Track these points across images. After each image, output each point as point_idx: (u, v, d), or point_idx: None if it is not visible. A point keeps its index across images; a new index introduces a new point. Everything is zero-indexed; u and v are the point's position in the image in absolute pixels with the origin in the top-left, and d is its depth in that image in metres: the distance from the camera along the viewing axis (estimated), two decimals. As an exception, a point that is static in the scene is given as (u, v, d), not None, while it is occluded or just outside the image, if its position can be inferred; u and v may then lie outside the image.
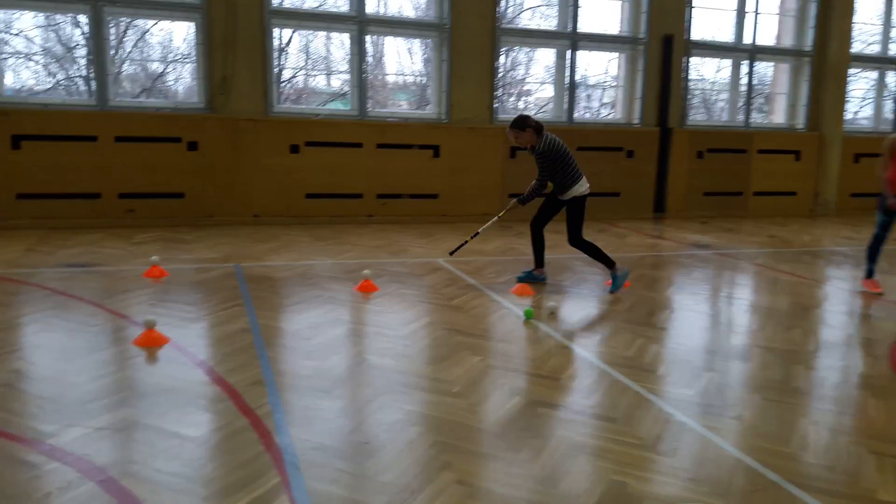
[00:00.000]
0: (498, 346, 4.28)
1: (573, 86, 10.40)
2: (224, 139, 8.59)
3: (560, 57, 10.46)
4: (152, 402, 3.28)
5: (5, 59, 8.47)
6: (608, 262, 5.72)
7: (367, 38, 9.36)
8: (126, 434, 2.96)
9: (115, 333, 4.28)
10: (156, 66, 11.89)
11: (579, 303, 5.46)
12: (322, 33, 10.23)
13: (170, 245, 7.10)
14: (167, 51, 12.08)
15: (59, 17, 10.05)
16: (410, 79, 12.43)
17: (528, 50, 11.96)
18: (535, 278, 5.89)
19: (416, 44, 11.97)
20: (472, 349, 4.20)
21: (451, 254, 6.19)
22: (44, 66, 10.86)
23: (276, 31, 9.19)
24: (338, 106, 11.28)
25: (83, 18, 9.81)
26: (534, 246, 5.93)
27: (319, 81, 12.14)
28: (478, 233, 6.00)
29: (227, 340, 4.21)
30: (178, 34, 13.39)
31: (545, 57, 12.24)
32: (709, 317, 5.36)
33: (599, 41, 10.58)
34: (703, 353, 4.33)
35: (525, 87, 13.61)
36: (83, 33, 10.66)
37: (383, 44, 11.61)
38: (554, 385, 3.68)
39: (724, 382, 3.81)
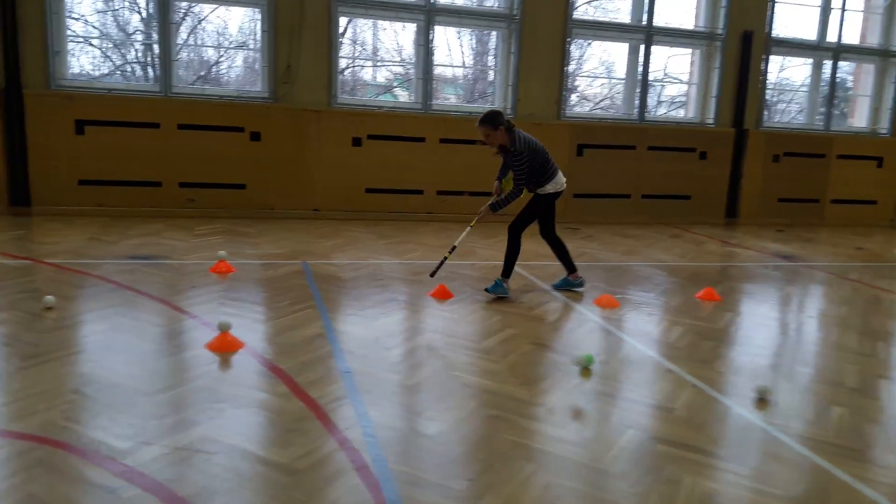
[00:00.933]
0: (593, 368, 3.92)
1: (646, 82, 9.92)
2: (287, 130, 8.38)
3: (633, 52, 9.99)
4: (233, 419, 3.02)
5: (71, 43, 8.38)
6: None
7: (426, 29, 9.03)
8: (208, 457, 2.69)
9: (187, 335, 4.05)
10: (213, 54, 11.76)
11: (663, 314, 5.06)
12: (375, 22, 9.94)
13: (233, 238, 6.90)
14: (222, 38, 11.94)
15: (118, 2, 9.94)
16: (460, 72, 12.07)
17: (585, 43, 11.50)
18: (572, 283, 5.54)
19: (466, 35, 11.63)
20: (566, 369, 3.85)
21: (432, 275, 5.33)
22: (102, 51, 10.82)
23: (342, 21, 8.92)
24: (387, 97, 11.01)
25: (142, 2, 9.71)
26: (556, 254, 5.53)
27: (368, 72, 11.85)
28: (454, 247, 5.43)
29: (303, 347, 3.95)
30: (234, 21, 13.24)
31: (599, 51, 11.73)
32: (831, 345, 4.92)
33: (675, 36, 10.07)
34: (829, 386, 3.91)
35: (578, 82, 13.15)
36: (142, 18, 10.57)
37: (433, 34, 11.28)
38: (667, 417, 3.32)
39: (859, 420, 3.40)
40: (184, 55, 11.68)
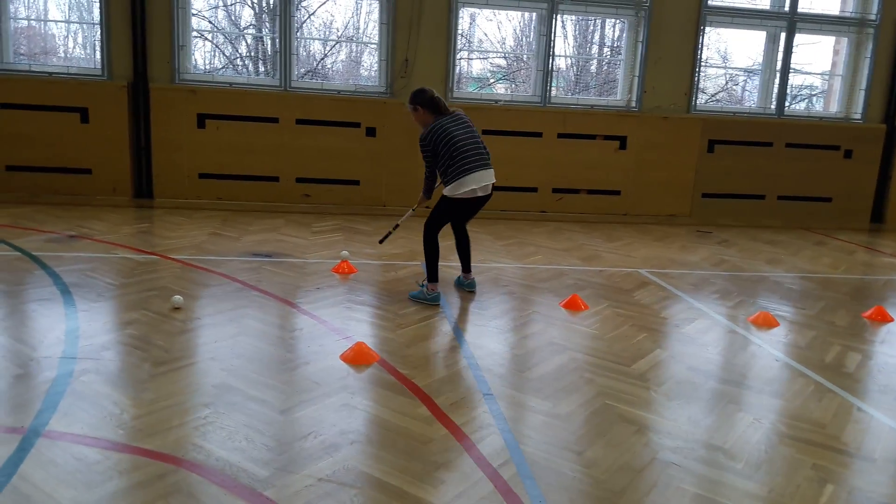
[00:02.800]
0: (767, 402, 3.42)
1: (786, 73, 9.08)
2: (402, 125, 8.16)
3: (771, 40, 9.17)
4: (377, 446, 2.75)
5: (194, 38, 8.49)
6: (431, 274, 4.71)
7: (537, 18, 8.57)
8: (355, 492, 2.43)
9: (319, 343, 3.84)
10: (321, 48, 11.72)
11: (830, 336, 4.44)
12: (474, 14, 9.54)
13: (350, 236, 6.74)
14: (328, 31, 11.89)
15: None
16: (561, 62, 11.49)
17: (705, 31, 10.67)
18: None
19: (570, 24, 11.04)
20: (734, 401, 3.38)
21: (381, 242, 5.28)
22: (215, 45, 10.98)
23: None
24: (473, 88, 10.60)
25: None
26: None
27: (470, 65, 11.47)
28: (398, 225, 5.14)
29: (438, 362, 3.66)
30: (340, 15, 13.19)
31: (715, 40, 10.87)
32: None
33: (820, 23, 9.16)
34: None
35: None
36: (257, 13, 10.63)
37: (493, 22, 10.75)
38: (869, 469, 2.80)
39: None
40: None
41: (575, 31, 12.15)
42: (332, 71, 11.98)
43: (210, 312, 4.23)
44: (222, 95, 7.88)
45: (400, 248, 6.34)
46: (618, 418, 3.12)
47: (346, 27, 10.70)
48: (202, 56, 10.11)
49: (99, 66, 7.75)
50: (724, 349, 4.18)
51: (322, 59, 12.38)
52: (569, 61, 10.23)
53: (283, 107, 7.94)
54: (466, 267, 5.11)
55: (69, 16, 8.84)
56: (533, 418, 3.08)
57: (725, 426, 3.11)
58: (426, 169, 4.80)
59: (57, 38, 9.58)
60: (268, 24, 10.67)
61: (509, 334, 4.24)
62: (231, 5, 10.87)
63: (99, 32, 7.69)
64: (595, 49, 11.65)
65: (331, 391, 3.22)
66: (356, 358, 3.56)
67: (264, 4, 10.72)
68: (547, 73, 8.54)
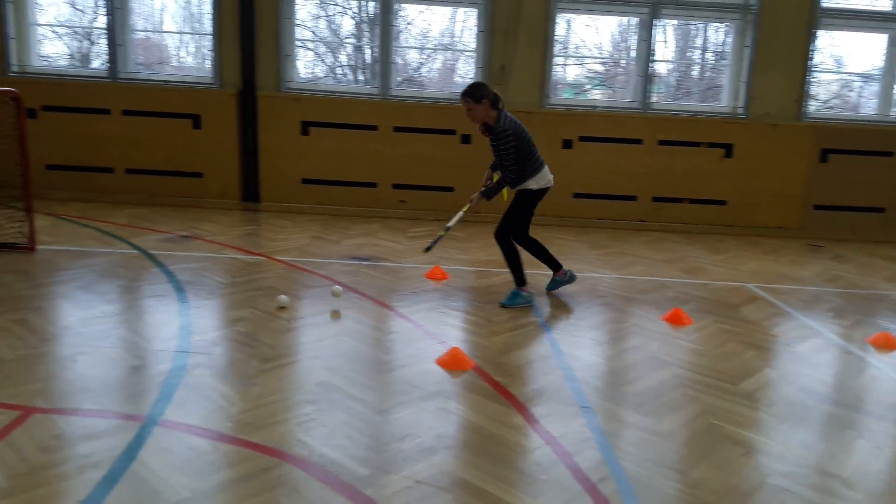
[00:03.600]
0: (890, 429, 3.19)
1: (910, 78, 8.47)
2: (498, 131, 8.18)
3: (893, 43, 8.58)
4: (473, 452, 2.75)
5: (298, 47, 8.80)
6: (518, 278, 4.80)
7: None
8: (451, 497, 2.44)
9: (415, 347, 3.88)
10: (417, 56, 11.89)
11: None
12: (569, 19, 9.39)
13: (444, 242, 6.76)
14: (425, 40, 12.04)
15: (332, 7, 10.29)
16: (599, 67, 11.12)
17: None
18: (562, 282, 5.12)
19: (670, 29, 10.66)
20: (852, 426, 3.16)
21: (427, 250, 5.10)
22: (316, 54, 11.33)
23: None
24: (569, 94, 10.40)
25: (355, 7, 9.99)
26: (536, 255, 5.02)
27: (565, 71, 11.30)
28: (449, 227, 4.99)
29: (533, 372, 3.63)
30: (437, 23, 13.33)
31: (828, 43, 10.24)
32: None
33: (951, 22, 8.49)
34: None
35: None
36: (357, 22, 10.92)
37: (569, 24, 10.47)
38: None
39: None
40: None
41: (676, 34, 11.79)
42: (428, 79, 12.15)
43: (312, 312, 4.37)
44: (324, 103, 8.14)
45: (492, 254, 6.33)
46: (724, 439, 2.99)
47: (442, 35, 10.81)
48: (304, 65, 10.46)
49: (210, 74, 8.17)
50: (840, 371, 3.93)
51: (419, 67, 12.57)
52: (670, 66, 9.94)
53: (382, 115, 8.11)
54: (556, 264, 5.10)
55: (183, 27, 9.39)
56: (633, 434, 3.00)
57: (842, 453, 2.92)
58: (510, 163, 4.58)
59: (171, 49, 10.18)
60: (367, 34, 10.94)
61: (607, 346, 4.15)
62: (332, 16, 11.22)
63: (211, 43, 8.11)
64: (697, 54, 11.27)
65: (427, 395, 3.25)
66: (452, 363, 3.58)
67: (364, 14, 11.00)
68: (647, 79, 8.33)
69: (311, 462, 2.60)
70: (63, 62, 8.95)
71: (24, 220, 5.64)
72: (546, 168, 4.78)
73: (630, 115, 8.32)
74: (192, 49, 10.47)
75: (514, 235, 4.84)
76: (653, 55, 8.28)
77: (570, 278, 5.14)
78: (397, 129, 8.12)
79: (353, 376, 3.41)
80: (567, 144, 8.26)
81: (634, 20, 8.57)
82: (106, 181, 8.02)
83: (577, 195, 8.36)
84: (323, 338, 3.94)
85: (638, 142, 8.29)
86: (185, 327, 3.98)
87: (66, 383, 3.17)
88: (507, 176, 4.66)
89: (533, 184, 4.69)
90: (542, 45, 8.16)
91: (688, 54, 10.87)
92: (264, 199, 8.21)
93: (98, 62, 9.58)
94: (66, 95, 7.87)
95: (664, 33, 8.81)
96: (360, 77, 11.03)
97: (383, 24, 8.17)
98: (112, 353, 3.54)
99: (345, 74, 12.75)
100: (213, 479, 2.46)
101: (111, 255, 5.50)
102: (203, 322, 4.10)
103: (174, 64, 9.74)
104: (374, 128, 8.12)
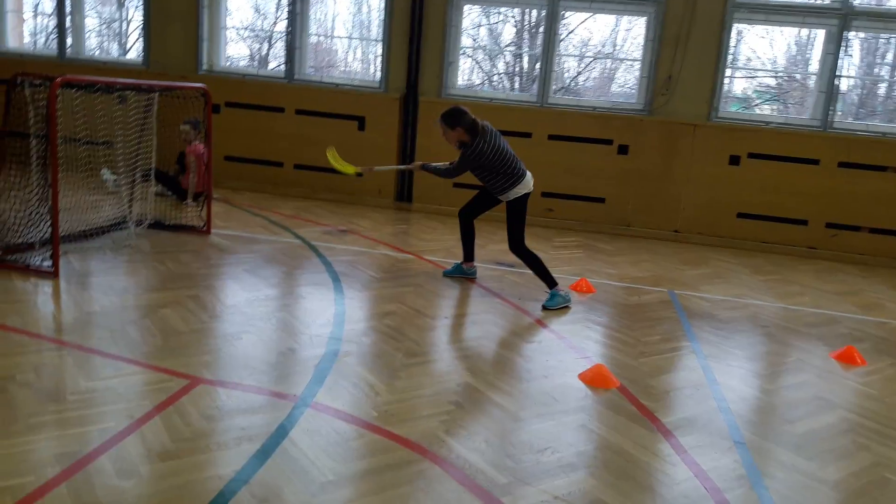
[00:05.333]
0: None
1: None
2: (658, 144, 7.87)
3: None
4: (616, 475, 2.64)
5: (460, 55, 8.98)
6: (549, 280, 4.84)
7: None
8: (590, 518, 2.35)
9: (556, 357, 3.81)
10: (574, 65, 11.70)
11: None
12: (740, 31, 8.77)
13: (591, 254, 6.64)
14: (586, 47, 11.83)
15: (495, 14, 10.37)
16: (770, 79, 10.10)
17: None
18: (464, 272, 5.29)
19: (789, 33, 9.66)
20: None
21: (359, 175, 5.81)
22: (475, 62, 11.48)
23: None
24: (735, 108, 9.68)
25: (518, 16, 10.01)
26: (463, 238, 5.31)
27: (736, 84, 10.60)
28: (377, 169, 5.90)
29: (684, 399, 3.43)
30: (598, 32, 13.05)
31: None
32: None
33: None
34: None
35: None
36: (518, 30, 10.95)
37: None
38: None
39: None
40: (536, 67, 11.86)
41: (862, 49, 10.77)
42: (584, 87, 11.94)
43: (457, 314, 4.42)
44: (482, 110, 8.21)
45: (644, 271, 6.09)
46: (903, 497, 2.66)
47: (602, 44, 10.60)
48: (462, 73, 10.66)
49: (377, 79, 8.53)
50: None
51: (577, 75, 12.40)
52: (852, 82, 9.09)
53: (538, 122, 8.07)
54: (472, 256, 5.33)
55: (352, 33, 9.89)
56: (792, 478, 2.74)
57: None
58: (458, 171, 4.98)
59: (340, 53, 10.77)
60: (527, 42, 10.96)
61: (766, 380, 3.84)
62: (494, 24, 11.35)
63: (379, 49, 8.46)
64: (886, 69, 10.22)
65: (568, 409, 3.17)
66: (595, 380, 3.47)
67: (526, 22, 11.03)
68: (830, 95, 7.66)
69: (450, 462, 2.61)
70: (244, 63, 9.75)
71: (203, 206, 6.17)
72: (528, 175, 5.03)
73: (808, 134, 7.69)
74: (359, 54, 11.03)
75: (516, 245, 4.95)
76: (839, 70, 7.60)
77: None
78: (552, 137, 8.04)
79: (495, 382, 3.40)
80: (734, 160, 7.78)
81: (819, 32, 7.91)
82: (276, 174, 8.60)
83: (742, 215, 7.85)
84: (466, 340, 3.96)
85: (814, 162, 7.65)
86: (338, 315, 4.16)
87: (230, 358, 3.41)
88: (451, 173, 5.07)
89: (519, 191, 4.93)
90: (714, 55, 7.75)
91: (875, 70, 9.90)
92: (416, 200, 8.44)
93: (274, 64, 10.36)
94: (247, 93, 8.54)
95: (848, 47, 8.08)
96: (516, 85, 11.08)
97: (547, 31, 8.13)
98: (272, 334, 3.77)
99: (500, 82, 12.86)
100: (356, 466, 2.53)
101: (276, 243, 5.88)
102: (355, 312, 4.27)
103: (342, 68, 10.30)
104: (528, 135, 8.10)
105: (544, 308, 4.69)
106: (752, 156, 7.75)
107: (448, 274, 5.30)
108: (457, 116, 4.87)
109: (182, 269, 4.83)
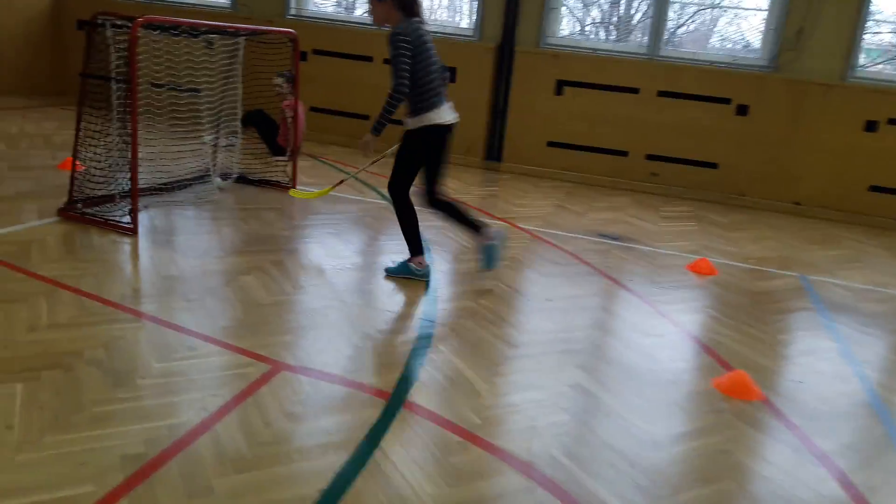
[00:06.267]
0: None
1: None
2: (782, 105, 7.01)
3: None
4: (773, 523, 2.14)
5: (554, 7, 8.24)
6: (414, 246, 3.87)
7: None
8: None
9: (683, 357, 3.29)
10: (674, 16, 10.67)
11: None
12: None
13: (706, 228, 5.97)
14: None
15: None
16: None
17: None
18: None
19: None
20: None
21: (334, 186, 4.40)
22: (568, 10, 10.63)
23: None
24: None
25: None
26: (455, 221, 3.92)
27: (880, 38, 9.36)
28: (352, 175, 4.77)
29: (845, 419, 2.86)
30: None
31: None
32: None
33: None
34: None
35: None
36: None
37: None
38: None
39: None
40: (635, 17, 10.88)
41: None
42: (688, 39, 10.90)
43: (562, 295, 3.93)
44: (584, 62, 7.54)
45: (768, 250, 5.41)
46: None
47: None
48: (569, 21, 9.86)
49: (470, 27, 7.94)
50: None
51: (691, 25, 11.32)
52: None
53: (647, 77, 7.32)
54: (478, 227, 3.90)
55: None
56: None
57: None
58: (401, 79, 3.53)
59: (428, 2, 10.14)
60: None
61: (938, 397, 3.21)
62: None
63: (476, -6, 7.85)
64: None
65: (707, 427, 2.66)
66: (734, 389, 2.94)
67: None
68: None
69: (569, 492, 2.17)
70: (331, 9, 9.30)
71: (288, 160, 5.85)
72: (445, 106, 3.72)
73: (964, 97, 6.67)
74: (447, 1, 10.39)
75: (396, 188, 3.79)
76: None
77: (425, 275, 3.89)
78: (662, 94, 7.29)
79: (613, 385, 2.92)
80: (870, 126, 6.86)
81: None
82: (362, 127, 8.20)
83: (875, 188, 6.96)
84: (573, 328, 3.48)
85: (968, 130, 6.64)
86: (431, 292, 3.75)
87: (315, 340, 3.06)
88: (395, 89, 3.55)
89: (423, 120, 3.66)
90: (856, 6, 6.77)
91: None
92: (506, 160, 7.90)
93: (361, 11, 9.86)
94: (335, 41, 8.12)
95: None
96: (611, 35, 10.21)
97: (660, -23, 7.30)
98: (359, 312, 3.40)
99: (595, 32, 11.94)
100: (460, 492, 2.13)
101: (361, 204, 5.51)
102: (448, 289, 3.85)
103: (431, 17, 9.71)
104: (635, 90, 7.37)
105: (387, 271, 3.94)
106: (892, 121, 6.80)
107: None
108: None
109: (265, 230, 4.52)
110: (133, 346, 2.78)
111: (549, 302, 3.81)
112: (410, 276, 3.87)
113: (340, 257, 4.17)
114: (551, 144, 7.74)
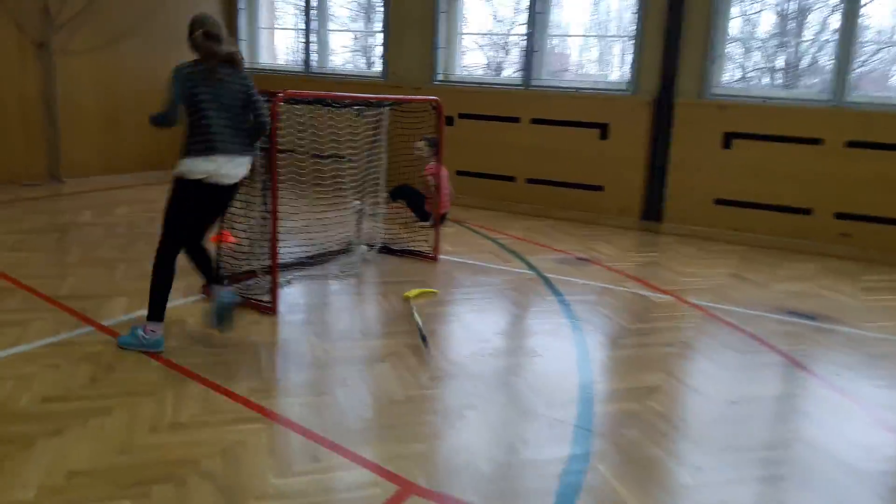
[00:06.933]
0: None
1: None
2: None
3: None
4: None
5: (729, 48, 7.52)
6: (155, 310, 3.32)
7: None
8: None
9: (923, 494, 2.51)
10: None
11: None
12: None
13: (921, 301, 4.95)
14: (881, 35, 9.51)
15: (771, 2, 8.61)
16: None
17: None
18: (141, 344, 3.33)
19: None
20: None
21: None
22: (741, 56, 9.75)
23: None
24: None
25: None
26: (197, 265, 3.53)
27: None
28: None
29: None
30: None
31: None
32: None
33: None
34: None
35: None
36: (784, 15, 9.08)
37: None
38: None
39: None
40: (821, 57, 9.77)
41: None
42: (871, 81, 9.65)
43: (748, 395, 3.24)
44: (754, 112, 6.76)
45: None
46: None
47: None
48: (730, 69, 9.09)
49: (625, 81, 7.43)
50: None
51: (868, 65, 10.11)
52: None
53: (832, 126, 6.40)
54: (217, 280, 3.56)
55: (591, 32, 8.85)
56: None
57: None
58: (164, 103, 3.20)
59: (577, 55, 9.75)
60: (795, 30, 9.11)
61: None
62: (755, 14, 9.59)
63: (621, 46, 7.37)
64: None
65: None
66: None
67: (790, 8, 9.14)
68: None
69: None
70: (480, 72, 9.20)
71: (431, 227, 5.62)
72: (222, 159, 3.22)
73: None
74: (597, 55, 9.97)
75: (161, 244, 3.36)
76: None
77: (156, 344, 3.34)
78: (851, 144, 6.33)
79: (834, 534, 2.22)
80: None
81: None
82: (507, 189, 7.89)
83: None
84: (769, 444, 2.80)
85: None
86: (584, 388, 3.22)
87: (451, 452, 2.64)
88: (165, 112, 3.21)
89: (190, 168, 3.21)
90: None
91: None
92: (667, 220, 7.20)
93: (510, 71, 9.68)
94: (481, 103, 7.93)
95: None
96: (777, 80, 9.25)
97: (848, 15, 6.43)
98: (502, 414, 2.95)
99: (756, 77, 10.92)
100: None
101: (506, 274, 5.11)
102: (606, 385, 3.31)
103: (579, 71, 9.32)
104: (816, 141, 6.47)
105: (120, 343, 3.36)
106: None
107: (126, 345, 3.37)
108: (194, 21, 3.26)
109: (406, 307, 4.23)
110: (253, 456, 2.50)
111: (733, 405, 3.14)
112: (140, 347, 3.33)
113: (482, 340, 3.76)
114: (719, 202, 6.96)
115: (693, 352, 3.76)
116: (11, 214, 6.08)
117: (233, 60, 3.28)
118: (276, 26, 10.08)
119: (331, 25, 9.47)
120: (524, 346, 3.79)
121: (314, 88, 8.36)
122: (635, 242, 6.56)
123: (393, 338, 3.73)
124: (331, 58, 9.52)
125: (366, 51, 10.76)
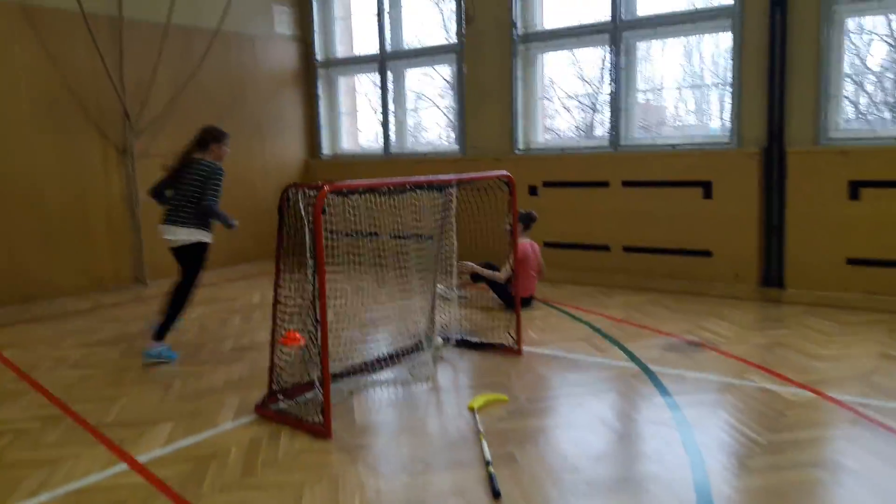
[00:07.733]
0: None
1: None
2: None
3: None
4: None
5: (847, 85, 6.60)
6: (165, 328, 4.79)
7: None
8: None
9: None
10: None
11: None
12: None
13: None
14: None
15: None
16: None
17: None
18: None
19: None
20: None
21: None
22: (852, 93, 8.68)
23: None
24: None
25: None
26: (170, 305, 4.88)
27: None
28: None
29: None
30: None
31: None
32: None
33: None
34: None
35: None
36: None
37: None
38: None
39: None
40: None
41: None
42: None
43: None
44: (884, 155, 5.80)
45: None
46: None
47: None
48: (852, 108, 8.08)
49: (726, 133, 6.65)
50: None
51: None
52: None
53: None
54: (167, 329, 4.90)
55: (682, 83, 8.15)
56: None
57: None
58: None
59: (670, 109, 9.02)
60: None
61: None
62: (865, 45, 8.53)
63: (718, 95, 6.62)
64: None
65: None
66: None
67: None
68: None
69: None
70: (571, 134, 8.65)
71: (514, 316, 5.00)
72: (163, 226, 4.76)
73: None
74: (692, 107, 9.21)
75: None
76: None
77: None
78: None
79: None
80: None
81: None
82: (600, 260, 7.18)
83: None
84: None
85: None
86: (706, 539, 2.46)
87: None
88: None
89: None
90: None
91: None
92: (790, 286, 6.23)
93: (599, 131, 9.08)
94: (566, 170, 7.35)
95: None
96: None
97: None
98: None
99: (892, 114, 9.71)
100: None
101: (602, 369, 4.39)
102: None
103: (674, 125, 8.59)
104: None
105: (148, 357, 4.75)
106: None
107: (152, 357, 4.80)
108: (207, 132, 5.01)
109: (474, 424, 3.59)
110: None
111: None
112: (160, 359, 4.74)
113: (571, 470, 3.06)
114: (853, 262, 5.95)
115: (842, 469, 2.90)
116: (87, 325, 6.00)
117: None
118: (356, 110, 10.00)
119: (412, 104, 9.26)
120: (627, 477, 3.04)
121: (391, 170, 8.10)
122: (755, 317, 5.66)
123: (462, 469, 3.10)
124: (424, 134, 9.26)
125: (454, 126, 10.50)
